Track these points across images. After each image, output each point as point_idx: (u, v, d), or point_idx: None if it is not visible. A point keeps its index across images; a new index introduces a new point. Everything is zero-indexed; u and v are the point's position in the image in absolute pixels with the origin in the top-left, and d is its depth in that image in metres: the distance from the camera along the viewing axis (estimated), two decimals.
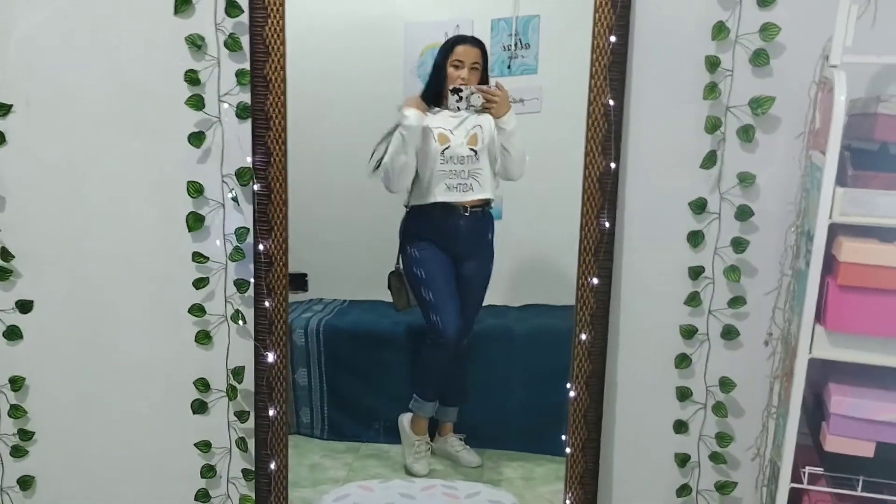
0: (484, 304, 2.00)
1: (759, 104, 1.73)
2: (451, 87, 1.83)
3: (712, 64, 1.73)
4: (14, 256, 1.95)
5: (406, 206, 1.95)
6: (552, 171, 1.92)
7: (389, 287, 2.00)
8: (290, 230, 1.85)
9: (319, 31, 1.89)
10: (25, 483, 2.08)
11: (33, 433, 2.06)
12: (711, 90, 1.75)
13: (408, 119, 1.86)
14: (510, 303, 2.03)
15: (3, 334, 1.99)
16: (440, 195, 1.92)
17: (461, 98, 1.83)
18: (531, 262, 2.01)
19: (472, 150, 1.90)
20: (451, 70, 1.88)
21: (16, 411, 2.03)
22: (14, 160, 1.91)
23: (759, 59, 1.71)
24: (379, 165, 1.90)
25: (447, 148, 1.90)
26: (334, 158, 1.95)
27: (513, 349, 2.04)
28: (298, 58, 1.76)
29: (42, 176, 1.92)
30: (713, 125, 1.76)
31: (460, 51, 1.87)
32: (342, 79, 1.95)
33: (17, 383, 2.02)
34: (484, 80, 1.88)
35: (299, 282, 1.98)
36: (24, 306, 1.98)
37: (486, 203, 1.96)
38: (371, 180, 1.92)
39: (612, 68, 1.73)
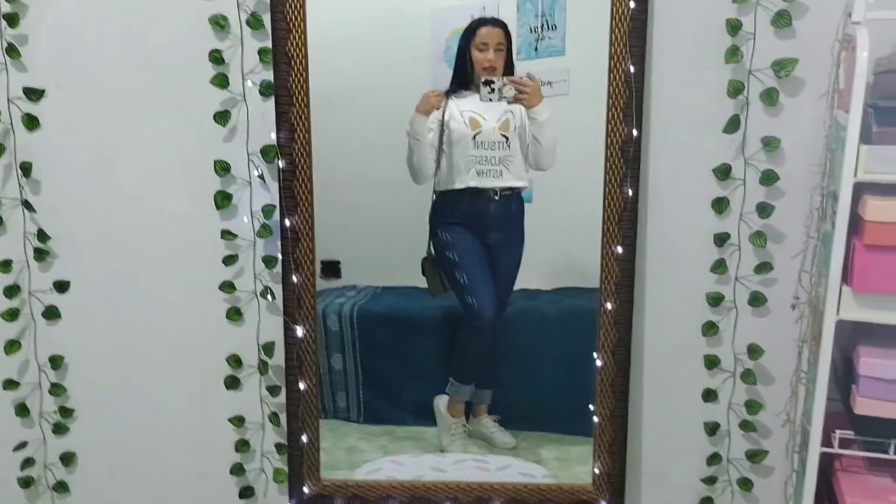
0: (516, 287, 2.00)
1: (781, 66, 1.71)
2: (483, 80, 1.82)
3: (733, 27, 1.72)
4: (50, 237, 2.00)
5: (434, 192, 1.96)
6: (581, 153, 1.91)
7: (424, 273, 2.00)
8: (321, 218, 1.88)
9: (342, 17, 1.90)
10: (67, 459, 2.14)
11: (73, 410, 2.12)
12: (733, 54, 1.73)
13: (409, 125, 1.89)
14: (542, 286, 2.03)
15: (43, 314, 2.05)
16: (471, 180, 1.91)
17: (493, 90, 1.82)
18: (562, 245, 2.01)
19: (503, 135, 1.90)
20: (476, 53, 1.87)
21: (56, 389, 2.09)
22: (48, 144, 1.96)
23: (781, 20, 1.69)
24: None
25: (479, 133, 1.90)
26: (363, 148, 1.96)
27: (545, 331, 2.03)
28: (321, 50, 1.80)
29: (74, 159, 1.97)
30: (735, 89, 1.75)
31: (483, 33, 1.86)
32: (368, 67, 1.96)
33: (56, 362, 2.08)
34: (509, 61, 1.87)
35: (332, 269, 2.00)
36: (62, 286, 2.03)
37: (517, 188, 1.95)
38: (400, 168, 1.94)
39: (631, 34, 1.72)
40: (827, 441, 1.59)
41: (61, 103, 1.94)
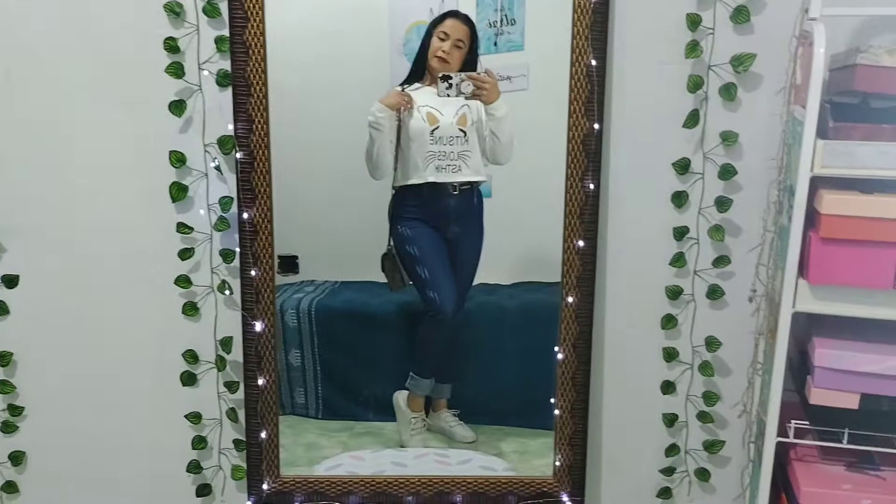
0: (476, 282, 2.00)
1: (740, 62, 1.73)
2: (440, 75, 1.81)
3: (693, 22, 1.73)
4: None
5: (393, 188, 1.94)
6: (541, 148, 1.91)
7: (383, 269, 1.98)
8: (280, 212, 1.85)
9: (300, 9, 1.87)
10: (16, 458, 2.08)
11: (23, 408, 2.06)
12: (693, 49, 1.74)
13: (372, 116, 1.86)
14: (502, 281, 2.03)
15: None
16: (430, 175, 1.90)
17: (451, 86, 1.81)
18: (522, 239, 2.01)
19: (461, 130, 1.89)
20: (434, 41, 1.85)
21: (4, 386, 2.03)
22: None
23: (740, 15, 1.71)
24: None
25: (437, 128, 1.89)
26: (320, 141, 1.94)
27: (505, 325, 2.03)
28: (279, 45, 1.78)
29: (24, 150, 1.91)
30: (695, 84, 1.76)
31: (448, 24, 1.85)
32: (327, 61, 1.93)
33: (4, 358, 2.02)
34: (471, 62, 1.86)
35: (290, 264, 1.97)
36: (10, 281, 1.97)
37: (476, 182, 1.95)
38: (358, 163, 1.92)
39: (593, 28, 1.72)
40: (782, 431, 1.62)
41: (9, 91, 1.87)
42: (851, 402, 1.56)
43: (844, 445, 1.59)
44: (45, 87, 1.88)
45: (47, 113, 1.89)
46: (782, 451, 1.69)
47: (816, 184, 1.50)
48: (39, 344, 2.02)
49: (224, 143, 1.85)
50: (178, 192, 1.89)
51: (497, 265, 2.01)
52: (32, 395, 2.06)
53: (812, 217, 1.51)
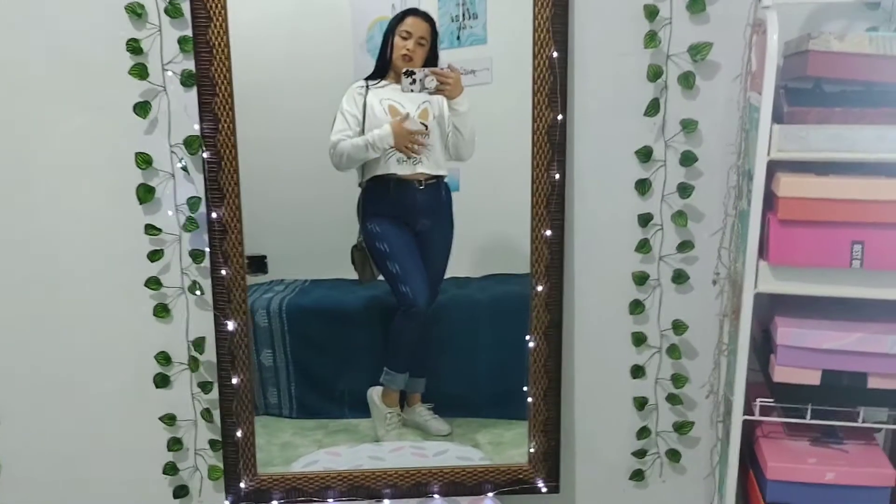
0: (446, 275, 2.01)
1: (697, 51, 1.77)
2: (404, 70, 1.82)
3: (651, 13, 1.76)
4: None
5: (360, 184, 1.95)
6: (506, 140, 1.93)
7: (353, 262, 1.99)
8: (247, 209, 1.85)
9: (262, 7, 1.87)
10: None
11: None
12: (651, 39, 1.78)
13: (379, 142, 1.87)
14: (472, 274, 2.04)
15: None
16: (392, 167, 1.91)
17: (415, 81, 1.82)
18: (490, 232, 2.03)
19: (423, 124, 1.90)
20: (397, 40, 1.87)
21: None
22: None
23: (696, 5, 1.75)
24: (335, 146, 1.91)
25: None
26: (288, 140, 1.93)
27: (477, 317, 2.05)
28: (243, 43, 1.78)
29: None
30: (655, 73, 1.80)
31: (409, 22, 1.86)
32: (291, 59, 1.93)
33: None
34: (432, 57, 1.87)
35: (259, 264, 1.97)
36: None
37: (441, 176, 1.96)
38: (324, 161, 1.92)
39: (554, 20, 1.75)
40: (748, 409, 1.66)
41: None
42: (813, 378, 1.61)
43: (808, 421, 1.64)
44: (8, 90, 1.86)
45: (11, 116, 1.87)
46: (749, 429, 1.74)
47: (774, 168, 1.54)
48: (9, 349, 2.00)
49: (190, 144, 1.85)
50: (146, 193, 1.88)
51: (467, 258, 2.02)
52: (3, 401, 2.04)
53: (770, 200, 1.56)
